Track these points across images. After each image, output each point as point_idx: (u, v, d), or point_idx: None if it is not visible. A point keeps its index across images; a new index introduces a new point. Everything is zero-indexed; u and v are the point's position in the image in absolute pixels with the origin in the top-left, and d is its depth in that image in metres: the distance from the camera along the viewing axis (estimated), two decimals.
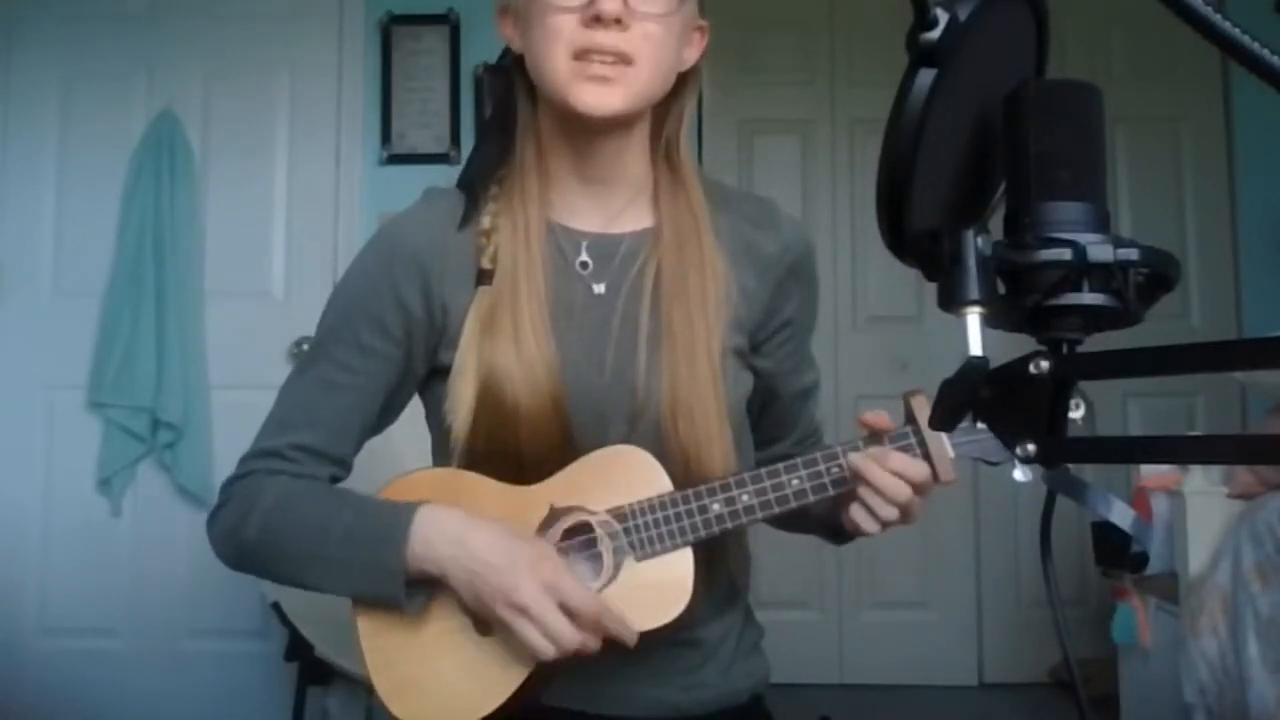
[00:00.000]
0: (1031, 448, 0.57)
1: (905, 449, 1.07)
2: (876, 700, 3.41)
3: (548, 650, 0.99)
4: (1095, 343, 0.57)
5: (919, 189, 0.57)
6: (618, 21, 1.01)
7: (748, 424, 1.19)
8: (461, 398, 1.06)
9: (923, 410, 1.07)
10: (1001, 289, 0.56)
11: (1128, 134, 3.53)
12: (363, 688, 2.34)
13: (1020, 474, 0.59)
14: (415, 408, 1.17)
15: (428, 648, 1.06)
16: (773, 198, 1.22)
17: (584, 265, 1.12)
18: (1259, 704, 2.12)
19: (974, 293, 0.55)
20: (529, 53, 1.08)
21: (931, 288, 0.57)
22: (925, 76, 0.56)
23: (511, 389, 1.05)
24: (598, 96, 1.03)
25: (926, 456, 1.06)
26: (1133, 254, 0.55)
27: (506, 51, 1.14)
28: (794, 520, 1.14)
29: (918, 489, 1.05)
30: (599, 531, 1.05)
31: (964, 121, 0.62)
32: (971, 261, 0.55)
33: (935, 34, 0.55)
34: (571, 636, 0.99)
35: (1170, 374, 0.55)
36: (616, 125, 1.08)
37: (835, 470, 1.07)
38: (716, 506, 1.05)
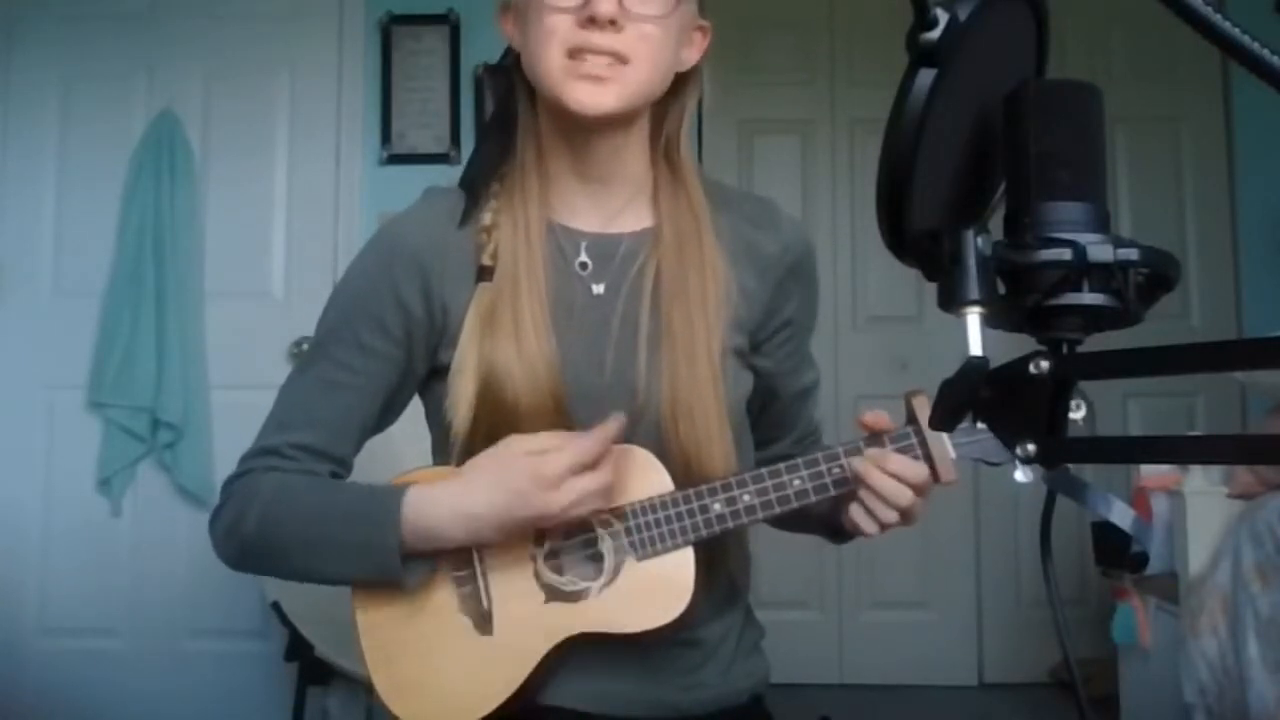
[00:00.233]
0: (1031, 448, 0.57)
1: (906, 449, 1.07)
2: (876, 700, 3.41)
3: (591, 506, 1.02)
4: (1095, 343, 0.57)
5: (919, 189, 0.57)
6: (612, 23, 1.02)
7: (748, 424, 1.19)
8: (462, 394, 1.06)
9: (924, 410, 1.07)
10: (1001, 289, 0.56)
11: (1128, 134, 3.53)
12: (363, 688, 2.34)
13: (1021, 474, 0.59)
14: (415, 407, 1.17)
15: (428, 647, 1.06)
16: (773, 198, 1.22)
17: (583, 265, 1.12)
18: (1259, 704, 2.12)
19: (974, 293, 0.55)
20: (526, 52, 1.08)
21: (931, 288, 0.57)
22: (925, 76, 0.56)
23: (512, 386, 1.05)
24: (591, 95, 1.03)
25: (927, 457, 1.06)
26: (1133, 254, 0.55)
27: (508, 50, 1.14)
28: (794, 520, 1.14)
29: (918, 490, 1.05)
30: (599, 531, 1.05)
31: (964, 121, 0.62)
32: (971, 261, 0.55)
33: (935, 34, 0.55)
34: (608, 480, 1.01)
35: (1170, 374, 0.56)
36: (613, 124, 1.08)
37: (836, 470, 1.07)
38: (717, 506, 1.05)
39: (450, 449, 1.09)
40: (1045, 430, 0.57)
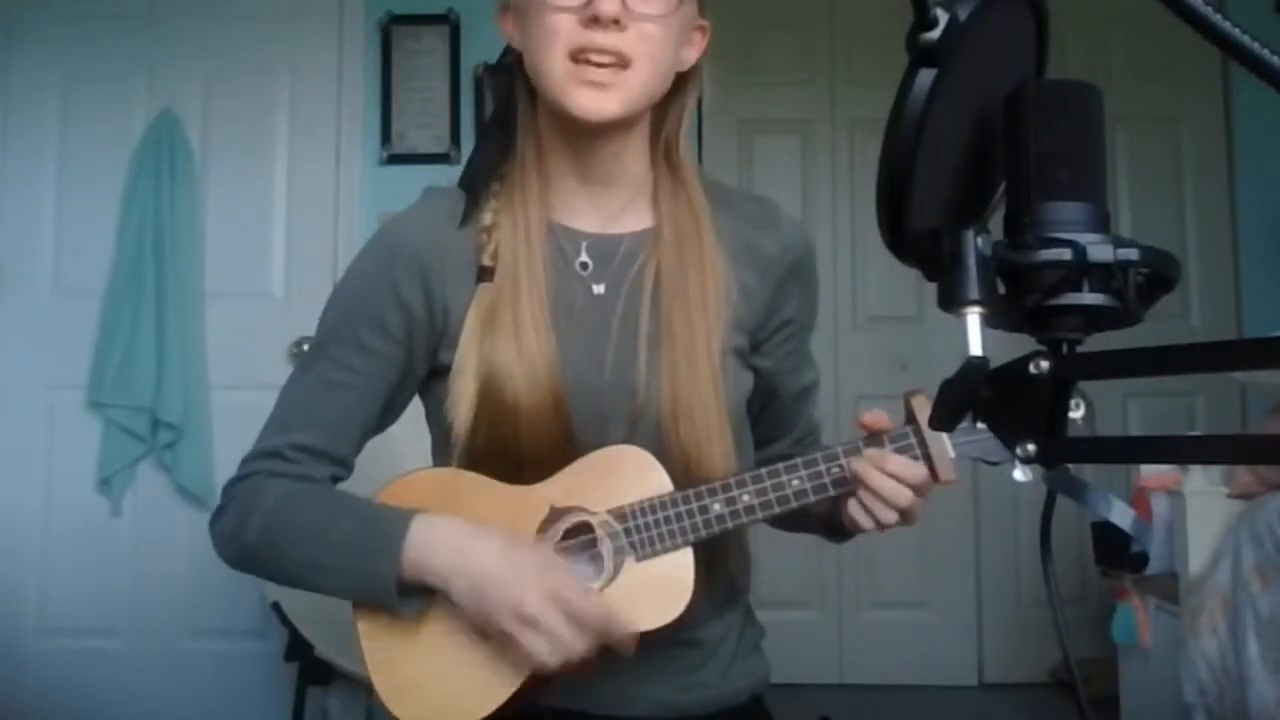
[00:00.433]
0: (1031, 448, 0.57)
1: (905, 449, 1.07)
2: (876, 700, 3.41)
3: (552, 661, 0.98)
4: (1095, 343, 0.57)
5: (919, 189, 0.57)
6: (616, 22, 1.01)
7: (747, 424, 1.19)
8: (462, 395, 1.06)
9: (923, 410, 1.07)
10: (1001, 289, 0.56)
11: (1128, 134, 3.53)
12: (363, 688, 2.34)
13: (1020, 474, 0.59)
14: (416, 407, 1.17)
15: (428, 648, 1.06)
16: (773, 198, 1.22)
17: (584, 266, 1.12)
18: (1259, 704, 2.12)
19: (974, 293, 0.55)
20: (527, 52, 1.08)
21: (931, 288, 0.57)
22: (925, 76, 0.56)
23: (512, 386, 1.05)
24: (594, 101, 1.03)
25: (927, 457, 1.06)
26: (1133, 254, 0.55)
27: (508, 50, 1.14)
28: (793, 520, 1.14)
29: (917, 490, 1.05)
30: (599, 532, 1.05)
31: (964, 121, 0.62)
32: (971, 261, 0.55)
33: (935, 34, 0.55)
34: (577, 645, 0.98)
35: (1170, 374, 0.55)
36: (614, 127, 1.08)
37: (835, 470, 1.07)
38: (717, 506, 1.05)
39: (451, 449, 1.09)
40: (1045, 430, 0.57)
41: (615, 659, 1.03)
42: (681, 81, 1.12)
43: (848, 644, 3.59)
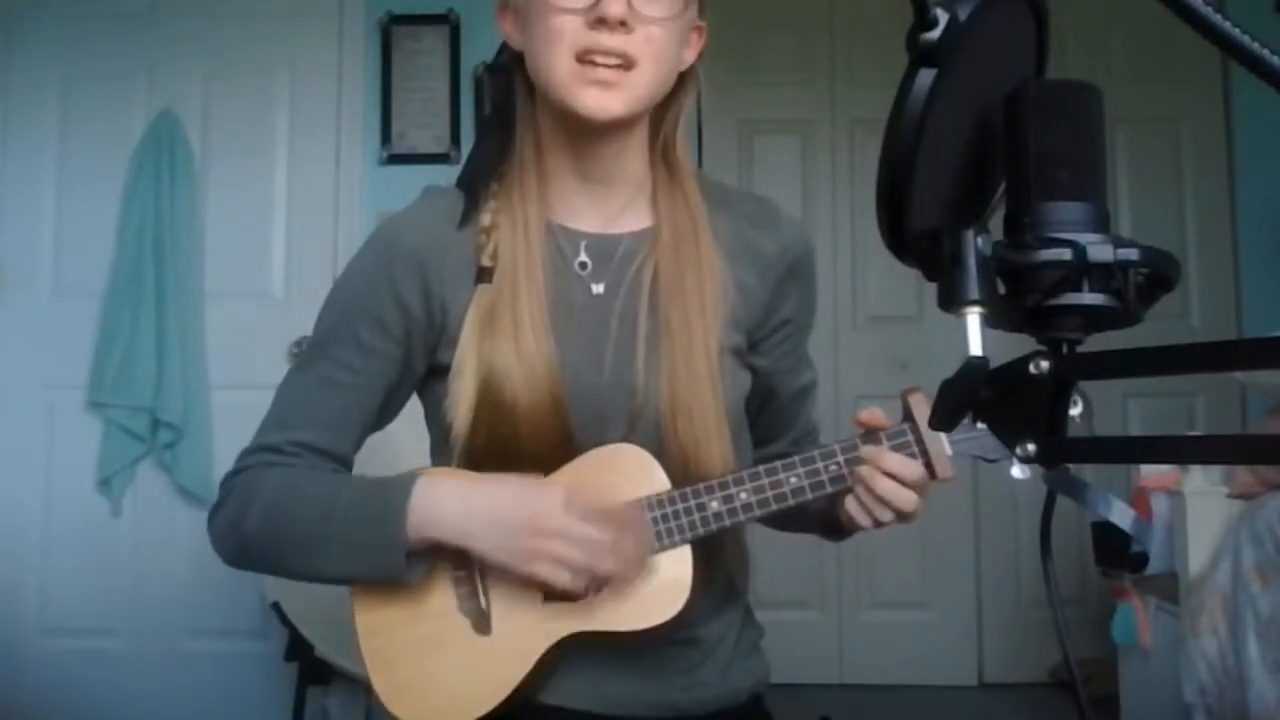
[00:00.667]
0: (1031, 448, 0.57)
1: (902, 447, 1.07)
2: (876, 700, 3.41)
3: (582, 563, 1.00)
4: (1095, 343, 0.57)
5: (919, 189, 0.57)
6: (622, 24, 1.01)
7: (746, 423, 1.19)
8: (462, 395, 1.06)
9: (920, 408, 1.07)
10: (1001, 289, 0.56)
11: (1128, 134, 3.53)
12: (363, 688, 2.34)
13: (1018, 471, 0.59)
14: (415, 406, 1.17)
15: (427, 647, 1.06)
16: (773, 198, 1.22)
17: (583, 265, 1.12)
18: (1259, 704, 2.12)
19: (974, 293, 0.55)
20: (529, 52, 1.08)
21: (931, 288, 0.57)
22: (925, 76, 0.56)
23: (511, 386, 1.05)
24: (599, 100, 1.03)
25: (924, 454, 1.06)
26: (1133, 254, 0.55)
27: (504, 48, 1.14)
28: (791, 520, 1.15)
29: (915, 488, 1.05)
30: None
31: (964, 121, 0.62)
32: (971, 261, 0.55)
33: (935, 34, 0.55)
34: (602, 538, 1.00)
35: (1170, 374, 0.55)
36: (616, 127, 1.08)
37: (833, 468, 1.07)
38: (715, 504, 1.05)
39: (450, 449, 1.09)
40: (1045, 430, 0.57)
41: (615, 657, 1.03)
42: (680, 82, 1.12)
43: (848, 644, 3.59)
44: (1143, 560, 2.54)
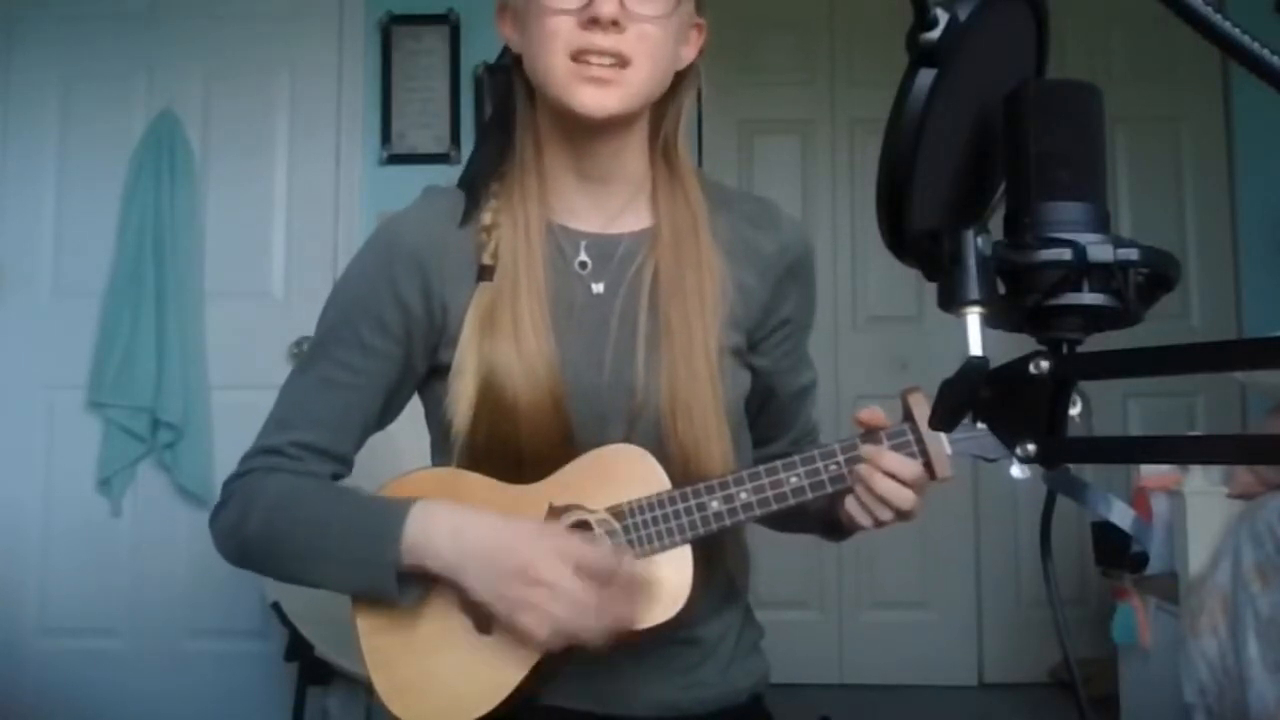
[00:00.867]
0: (1031, 448, 0.57)
1: (902, 446, 1.07)
2: (876, 700, 3.41)
3: (567, 619, 0.98)
4: (1095, 343, 0.57)
5: (919, 189, 0.57)
6: (614, 24, 1.02)
7: (745, 423, 1.19)
8: (462, 394, 1.06)
9: (920, 407, 1.07)
10: (1001, 289, 0.56)
11: (1128, 134, 3.53)
12: (363, 688, 2.34)
13: (1018, 470, 0.59)
14: (416, 406, 1.17)
15: (427, 647, 1.06)
16: (773, 198, 1.23)
17: (583, 265, 1.13)
18: (1259, 704, 2.12)
19: (974, 293, 0.55)
20: (527, 53, 1.08)
21: (931, 288, 0.57)
22: (925, 76, 0.56)
23: (511, 385, 1.05)
24: (595, 98, 1.03)
25: (924, 454, 1.06)
26: (1133, 254, 0.55)
27: (506, 50, 1.14)
28: (790, 520, 1.15)
29: (914, 487, 1.05)
30: (598, 530, 1.05)
31: (964, 121, 0.62)
32: (971, 261, 0.55)
33: (935, 34, 0.55)
34: (589, 598, 0.98)
35: (1170, 374, 0.55)
36: (615, 125, 1.08)
37: (833, 468, 1.07)
38: (715, 504, 1.05)
39: (450, 448, 1.09)
40: (1045, 430, 0.57)
41: (617, 654, 1.03)
42: (679, 80, 1.12)
43: (848, 644, 3.59)
44: (1143, 560, 2.54)
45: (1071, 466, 0.59)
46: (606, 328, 1.10)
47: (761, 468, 1.07)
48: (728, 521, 1.06)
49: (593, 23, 1.02)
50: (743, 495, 1.06)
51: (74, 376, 3.07)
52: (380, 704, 1.06)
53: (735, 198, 1.19)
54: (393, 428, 1.17)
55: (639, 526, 1.05)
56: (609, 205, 1.14)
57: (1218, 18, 0.47)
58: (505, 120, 1.15)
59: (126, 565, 3.08)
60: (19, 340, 3.14)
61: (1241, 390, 3.31)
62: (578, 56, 1.03)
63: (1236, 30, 0.46)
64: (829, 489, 1.07)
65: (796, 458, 1.07)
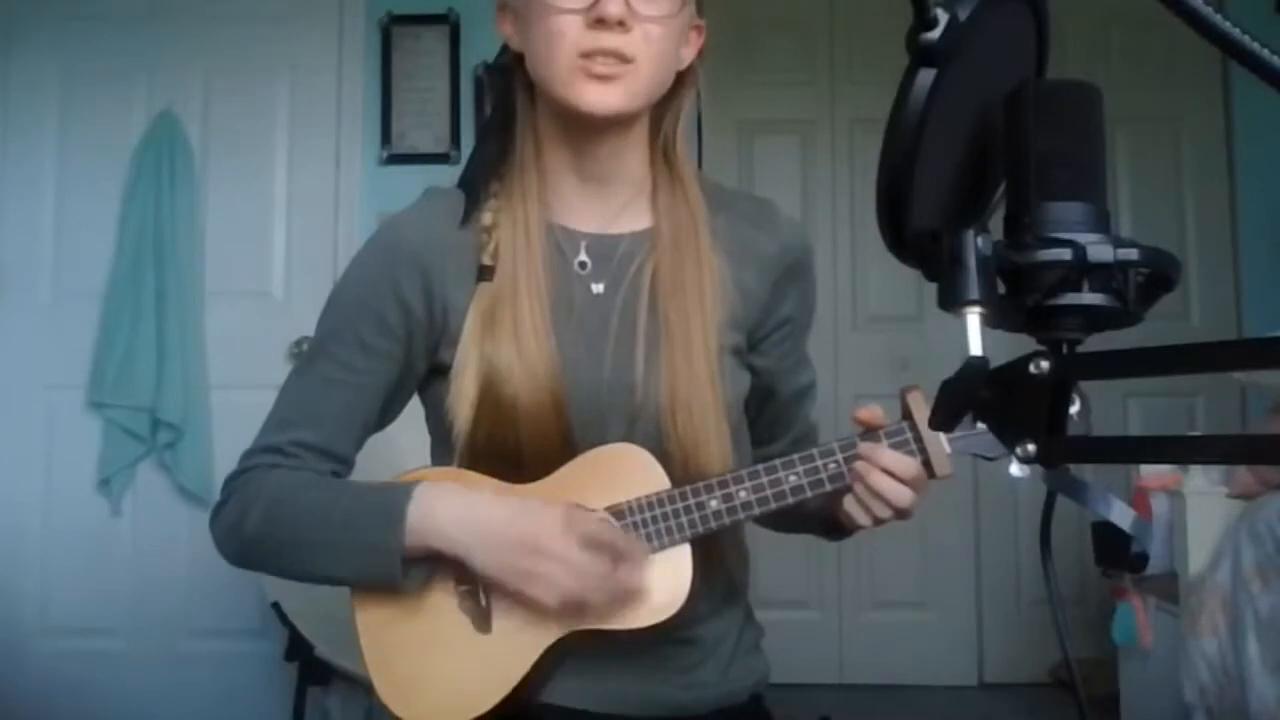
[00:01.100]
0: (1031, 448, 0.57)
1: (901, 445, 1.07)
2: (876, 700, 3.41)
3: (578, 589, 1.00)
4: (1095, 343, 0.57)
5: (919, 189, 0.57)
6: (620, 24, 1.02)
7: (745, 423, 1.19)
8: (463, 394, 1.07)
9: (919, 406, 1.08)
10: (1001, 289, 0.56)
11: (1128, 134, 3.53)
12: (363, 688, 2.34)
13: (1017, 469, 0.59)
14: (416, 406, 1.17)
15: (427, 646, 1.06)
16: (772, 198, 1.23)
17: (583, 265, 1.13)
18: (1259, 704, 2.12)
19: (974, 293, 0.55)
20: (529, 52, 1.08)
21: (931, 288, 0.57)
22: (925, 76, 0.56)
23: (512, 385, 1.05)
24: (599, 95, 1.04)
25: (923, 452, 1.07)
26: (1133, 254, 0.55)
27: (504, 49, 1.14)
28: (790, 519, 1.15)
29: (913, 486, 1.05)
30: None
31: (964, 121, 0.62)
32: (971, 261, 0.55)
33: (935, 34, 0.55)
34: (596, 568, 1.00)
35: (1170, 374, 0.55)
36: (616, 124, 1.08)
37: (832, 466, 1.07)
38: (714, 503, 1.06)
39: (450, 448, 1.09)
40: (1045, 430, 0.57)
41: (614, 656, 1.03)
42: (679, 81, 1.12)
43: (848, 644, 3.59)
44: (1143, 560, 2.53)
45: (1071, 466, 0.59)
46: (606, 328, 1.10)
47: (761, 467, 1.07)
48: (727, 520, 1.06)
49: (599, 22, 1.02)
50: (742, 494, 1.06)
51: (74, 376, 3.06)
52: (380, 703, 1.06)
53: (735, 198, 1.20)
54: (393, 428, 1.17)
55: (639, 525, 1.05)
56: (609, 205, 1.14)
57: (1218, 18, 0.47)
58: (505, 120, 1.15)
59: (126, 565, 3.07)
60: (19, 340, 3.14)
61: (1241, 390, 3.31)
62: (583, 56, 1.03)
63: (1236, 30, 0.46)
64: (828, 488, 1.07)
65: (796, 457, 1.07)
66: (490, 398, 1.06)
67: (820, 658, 3.52)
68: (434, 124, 3.18)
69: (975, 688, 3.54)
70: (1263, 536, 2.21)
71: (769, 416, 1.23)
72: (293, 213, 3.18)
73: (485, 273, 1.09)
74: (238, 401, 2.63)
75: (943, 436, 1.07)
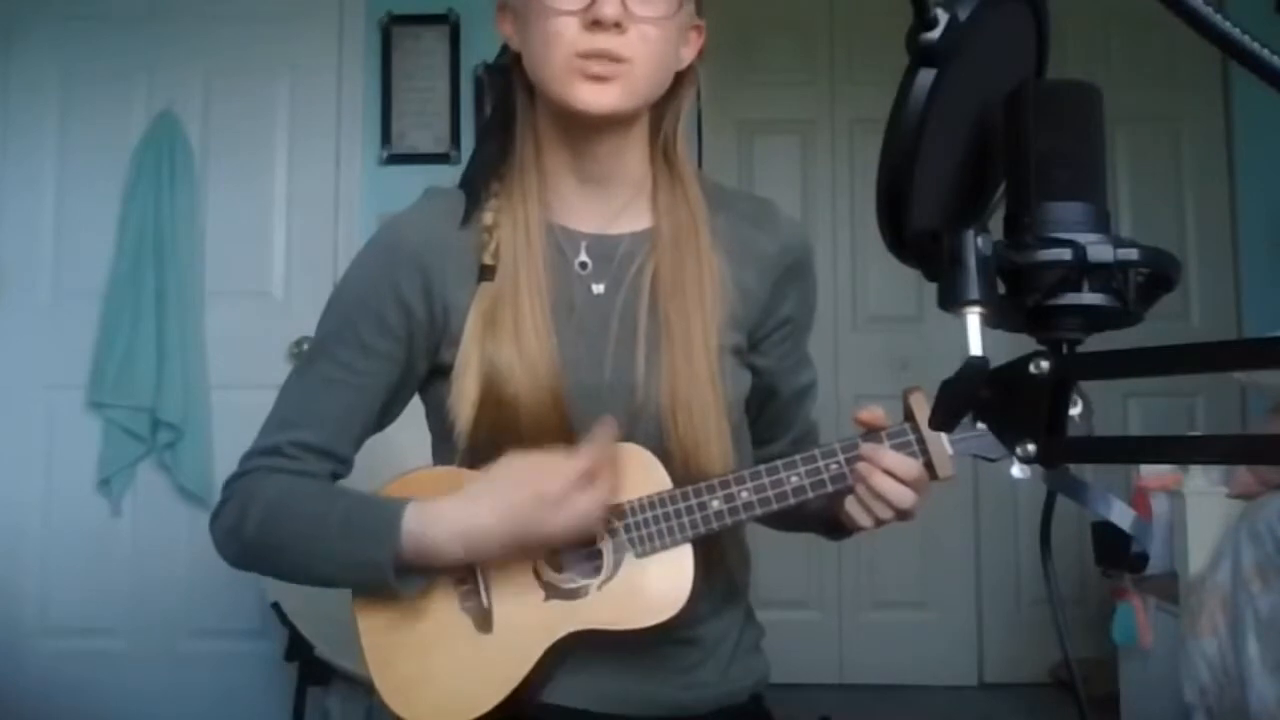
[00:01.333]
0: (1032, 448, 0.57)
1: (903, 446, 1.07)
2: (876, 700, 3.41)
3: (600, 509, 1.02)
4: (1095, 343, 0.57)
5: (919, 189, 0.57)
6: (617, 25, 1.02)
7: (746, 423, 1.19)
8: (465, 394, 1.07)
9: (921, 407, 1.07)
10: (1001, 289, 0.56)
11: (1128, 134, 3.52)
12: (363, 688, 2.34)
13: (1018, 470, 0.59)
14: (416, 407, 1.17)
15: (428, 646, 1.06)
16: (772, 198, 1.23)
17: (583, 265, 1.13)
18: (1259, 704, 2.12)
19: (974, 293, 0.55)
20: (527, 52, 1.08)
21: (931, 288, 0.57)
22: (925, 76, 0.56)
23: (513, 385, 1.05)
24: (595, 94, 1.04)
25: (924, 453, 1.07)
26: (1133, 254, 0.55)
27: (505, 49, 1.15)
28: (791, 519, 1.15)
29: (914, 487, 1.05)
30: (598, 528, 1.05)
31: (964, 121, 0.62)
32: (971, 261, 0.55)
33: (935, 34, 0.55)
34: (601, 492, 1.01)
35: (1170, 374, 0.55)
36: (614, 124, 1.08)
37: (834, 467, 1.07)
38: (716, 503, 1.06)
39: (451, 448, 1.09)
40: (1045, 430, 0.57)
41: (616, 656, 1.03)
42: (679, 81, 1.12)
43: (848, 644, 3.59)
44: (1143, 560, 2.53)
45: (1071, 466, 0.59)
46: (607, 328, 1.11)
47: (762, 467, 1.07)
48: (728, 520, 1.06)
49: (595, 24, 1.02)
50: (743, 494, 1.06)
51: (74, 376, 3.06)
52: (381, 703, 1.06)
53: (735, 198, 1.20)
54: (393, 428, 1.17)
55: (640, 525, 1.05)
56: (609, 205, 1.14)
57: (1218, 18, 0.47)
58: (505, 120, 1.15)
59: (126, 565, 3.07)
60: (19, 340, 3.13)
61: (1241, 390, 3.31)
62: (579, 57, 1.03)
63: (1236, 30, 0.46)
64: (829, 488, 1.07)
65: (797, 457, 1.07)
66: (491, 398, 1.06)
67: (820, 658, 3.52)
68: (434, 124, 3.18)
69: (975, 688, 3.54)
70: (1263, 536, 2.21)
71: (770, 416, 1.23)
72: (293, 213, 3.18)
73: (486, 273, 1.09)
74: (238, 401, 2.62)
75: (944, 437, 1.07)
